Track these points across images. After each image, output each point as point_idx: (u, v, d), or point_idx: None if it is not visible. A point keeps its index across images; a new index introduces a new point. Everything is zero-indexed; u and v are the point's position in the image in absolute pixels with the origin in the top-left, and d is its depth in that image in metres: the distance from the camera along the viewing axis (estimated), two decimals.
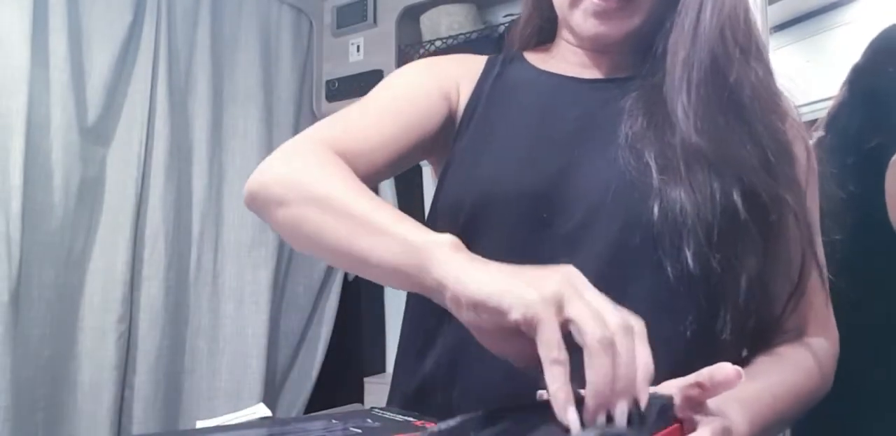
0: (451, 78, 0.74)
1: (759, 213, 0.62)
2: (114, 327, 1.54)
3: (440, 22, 1.86)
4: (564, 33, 0.75)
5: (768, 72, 0.68)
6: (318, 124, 0.69)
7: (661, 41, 0.68)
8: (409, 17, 1.92)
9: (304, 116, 2.00)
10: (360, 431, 0.51)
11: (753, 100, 0.64)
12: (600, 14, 0.66)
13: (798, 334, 0.68)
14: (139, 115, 1.63)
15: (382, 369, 2.02)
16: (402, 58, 1.90)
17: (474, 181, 0.67)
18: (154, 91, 1.66)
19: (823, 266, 0.67)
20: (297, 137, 0.66)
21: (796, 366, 0.64)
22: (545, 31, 0.79)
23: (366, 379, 1.95)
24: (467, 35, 1.79)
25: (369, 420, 0.54)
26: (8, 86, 1.39)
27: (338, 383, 2.01)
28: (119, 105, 1.62)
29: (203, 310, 1.75)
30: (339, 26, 2.01)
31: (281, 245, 1.87)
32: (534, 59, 0.78)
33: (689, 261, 0.59)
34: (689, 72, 0.64)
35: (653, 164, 0.62)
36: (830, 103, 0.98)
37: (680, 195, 0.60)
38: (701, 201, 0.60)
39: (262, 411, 0.78)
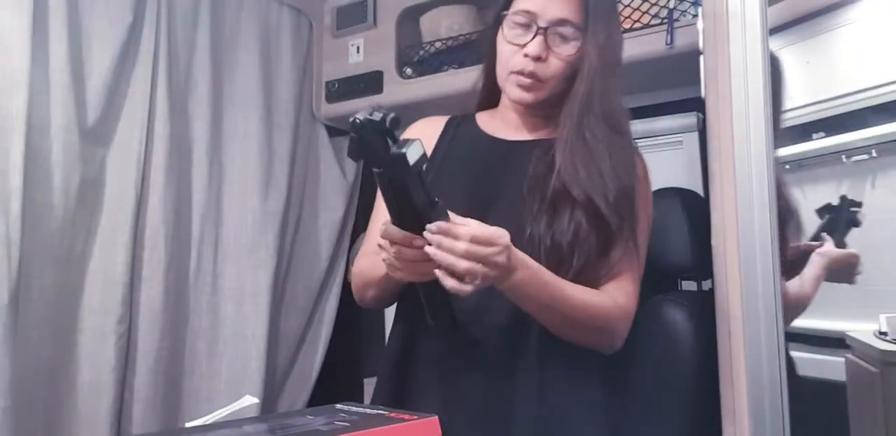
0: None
1: (601, 228, 0.98)
2: (113, 328, 1.54)
3: (440, 23, 1.86)
4: (504, 98, 1.12)
5: (624, 134, 1.04)
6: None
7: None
8: (409, 18, 1.92)
9: (304, 117, 2.00)
10: (347, 424, 0.53)
11: (609, 156, 1.00)
12: (522, 86, 1.05)
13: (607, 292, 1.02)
14: (139, 116, 1.63)
15: None
16: (402, 59, 1.90)
17: None
18: (154, 92, 1.66)
19: (641, 257, 1.04)
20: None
21: (592, 291, 0.99)
22: (495, 94, 1.14)
23: (365, 380, 1.95)
24: (467, 36, 1.79)
25: (343, 414, 0.59)
26: (8, 87, 1.38)
27: (337, 384, 2.01)
28: (119, 106, 1.61)
29: (203, 311, 1.74)
30: (338, 27, 2.01)
31: (280, 246, 1.87)
32: (482, 118, 1.17)
33: (544, 259, 0.96)
34: (565, 138, 1.01)
35: (535, 203, 1.00)
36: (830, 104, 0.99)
37: (542, 226, 0.98)
38: (557, 229, 0.98)
39: (249, 400, 0.78)
